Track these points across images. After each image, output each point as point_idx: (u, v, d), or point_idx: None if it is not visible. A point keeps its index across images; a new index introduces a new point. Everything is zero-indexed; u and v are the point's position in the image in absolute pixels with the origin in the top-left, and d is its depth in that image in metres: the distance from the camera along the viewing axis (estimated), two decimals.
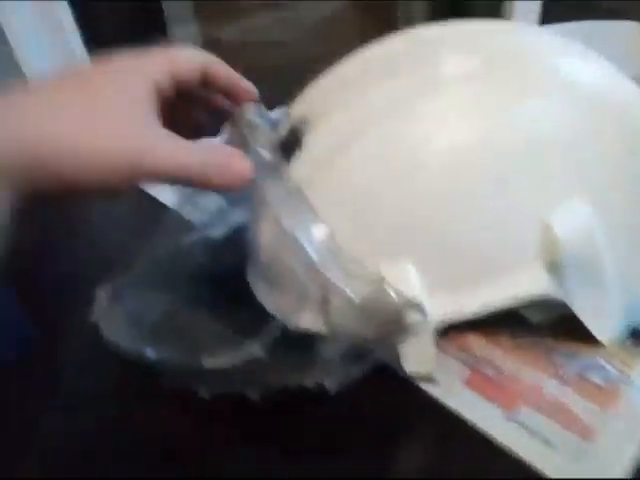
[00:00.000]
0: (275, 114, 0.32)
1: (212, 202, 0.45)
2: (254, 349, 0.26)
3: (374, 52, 0.29)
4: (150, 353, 0.30)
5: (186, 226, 0.41)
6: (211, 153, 0.24)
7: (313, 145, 0.26)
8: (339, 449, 0.30)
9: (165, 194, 0.52)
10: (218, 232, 0.42)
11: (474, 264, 0.26)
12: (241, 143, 0.27)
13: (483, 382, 0.30)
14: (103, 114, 0.22)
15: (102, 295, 0.34)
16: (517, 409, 0.29)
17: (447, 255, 0.25)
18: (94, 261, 0.35)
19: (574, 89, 0.26)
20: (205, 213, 0.42)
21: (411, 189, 0.25)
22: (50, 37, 0.72)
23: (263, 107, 0.30)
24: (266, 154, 0.27)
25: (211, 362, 0.28)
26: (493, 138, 0.25)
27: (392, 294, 0.25)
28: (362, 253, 0.25)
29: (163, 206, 0.51)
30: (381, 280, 0.25)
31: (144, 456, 0.31)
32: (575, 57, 0.29)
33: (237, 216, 0.44)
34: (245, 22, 1.14)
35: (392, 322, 0.25)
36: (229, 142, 0.28)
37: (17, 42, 0.70)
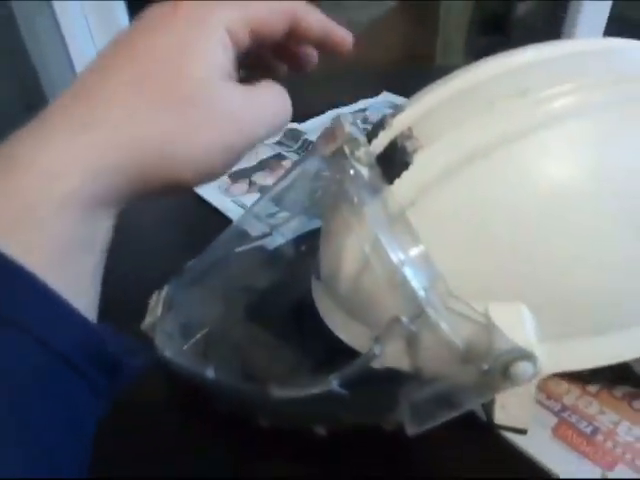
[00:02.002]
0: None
1: (267, 208, 0.43)
2: (333, 384, 0.24)
3: (480, 72, 0.26)
4: (210, 374, 0.27)
5: (243, 236, 0.38)
6: (284, 100, 0.22)
7: (422, 166, 0.23)
8: None
9: (223, 204, 0.50)
10: (275, 243, 0.40)
11: (595, 313, 0.23)
12: (339, 157, 0.24)
13: (573, 434, 0.27)
14: (184, 104, 0.19)
15: (156, 302, 0.32)
16: (612, 467, 0.26)
17: (563, 301, 0.22)
18: (149, 269, 0.33)
19: None
20: (265, 224, 0.40)
21: (532, 225, 0.22)
22: None
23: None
24: (365, 172, 0.24)
25: (280, 393, 0.25)
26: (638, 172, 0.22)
27: (500, 339, 0.22)
28: (467, 290, 0.23)
29: (221, 215, 0.49)
30: (488, 322, 0.22)
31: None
32: None
33: (295, 225, 0.42)
34: None
35: (495, 371, 0.22)
36: (323, 156, 0.25)
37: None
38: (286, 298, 0.35)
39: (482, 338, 0.22)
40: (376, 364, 0.24)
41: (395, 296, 0.23)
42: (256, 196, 0.52)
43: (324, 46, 0.24)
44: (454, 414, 0.24)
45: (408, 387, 0.24)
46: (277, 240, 0.42)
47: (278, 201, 0.46)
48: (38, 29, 0.72)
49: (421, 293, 0.22)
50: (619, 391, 0.29)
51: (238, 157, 0.21)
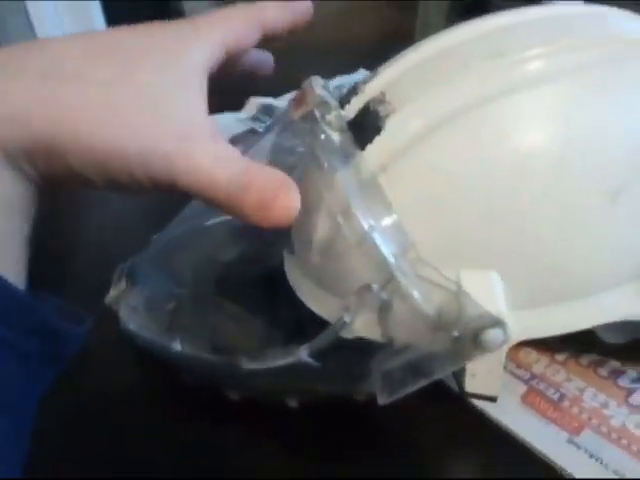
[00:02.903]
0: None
1: None
2: (302, 355, 0.23)
3: (455, 35, 0.25)
4: (176, 347, 0.26)
5: (210, 210, 0.37)
6: (254, 175, 0.18)
7: (394, 130, 0.23)
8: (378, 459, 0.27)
9: None
10: None
11: (564, 280, 0.23)
12: (309, 122, 0.23)
13: (541, 401, 0.28)
14: (131, 92, 0.17)
15: (119, 275, 0.31)
16: (579, 432, 0.26)
17: (533, 268, 0.22)
18: (116, 246, 0.32)
19: None
20: None
21: (503, 191, 0.22)
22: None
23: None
24: (336, 137, 0.23)
25: (250, 364, 0.25)
26: (608, 137, 0.22)
27: (471, 306, 0.22)
28: (439, 257, 0.22)
29: None
30: (459, 289, 0.22)
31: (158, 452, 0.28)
32: None
33: None
34: None
35: (466, 338, 0.22)
36: (292, 121, 0.24)
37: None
38: (257, 271, 0.34)
39: (453, 305, 0.22)
40: (346, 333, 0.23)
41: (365, 263, 0.22)
42: None
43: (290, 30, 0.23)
44: (425, 382, 0.23)
45: (379, 356, 0.24)
46: None
47: None
48: (10, 29, 0.68)
49: (391, 260, 0.22)
50: (585, 359, 0.30)
51: (157, 185, 0.18)
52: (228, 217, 0.40)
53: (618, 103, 0.23)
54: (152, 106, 0.17)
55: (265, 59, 0.26)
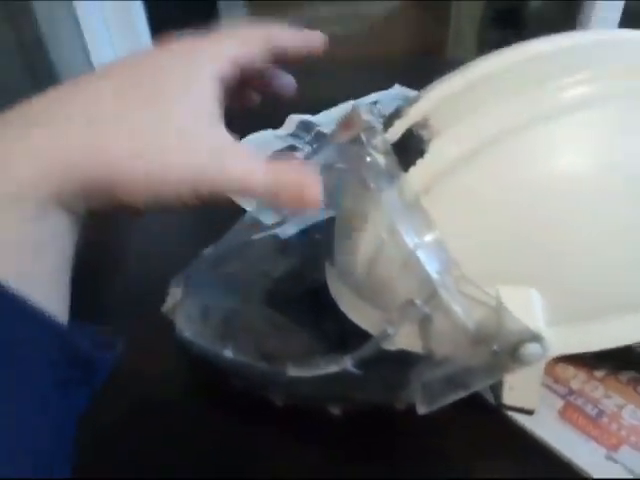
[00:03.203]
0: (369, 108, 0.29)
1: None
2: (347, 364, 0.25)
3: (498, 61, 0.26)
4: (228, 353, 0.28)
5: (257, 225, 0.39)
6: (282, 172, 0.21)
7: (437, 154, 0.24)
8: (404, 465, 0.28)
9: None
10: (288, 231, 0.41)
11: (603, 297, 0.23)
12: (356, 145, 0.25)
13: (579, 417, 0.28)
14: (163, 124, 0.19)
15: (176, 286, 0.33)
16: (617, 448, 0.27)
17: (572, 287, 0.23)
18: (166, 261, 0.34)
19: None
20: (278, 213, 0.41)
21: (543, 212, 0.23)
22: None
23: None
24: (381, 159, 0.25)
25: (296, 371, 0.26)
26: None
27: (510, 321, 0.23)
28: (479, 274, 0.23)
29: (236, 205, 0.49)
30: (499, 305, 0.23)
31: (206, 456, 0.30)
32: None
33: (309, 216, 0.43)
34: (302, 15, 1.12)
35: (505, 352, 0.23)
36: (338, 143, 0.26)
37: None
38: (300, 283, 0.36)
39: (492, 320, 0.23)
40: (389, 345, 0.25)
41: (409, 279, 0.24)
42: None
43: (304, 55, 0.24)
44: (464, 394, 0.24)
45: (420, 367, 0.25)
46: (290, 229, 0.43)
47: None
48: (56, 19, 0.74)
49: (435, 276, 0.23)
50: (624, 376, 0.30)
51: (197, 196, 0.19)
52: (272, 232, 0.42)
53: None
54: (179, 129, 0.19)
55: (287, 82, 0.27)
